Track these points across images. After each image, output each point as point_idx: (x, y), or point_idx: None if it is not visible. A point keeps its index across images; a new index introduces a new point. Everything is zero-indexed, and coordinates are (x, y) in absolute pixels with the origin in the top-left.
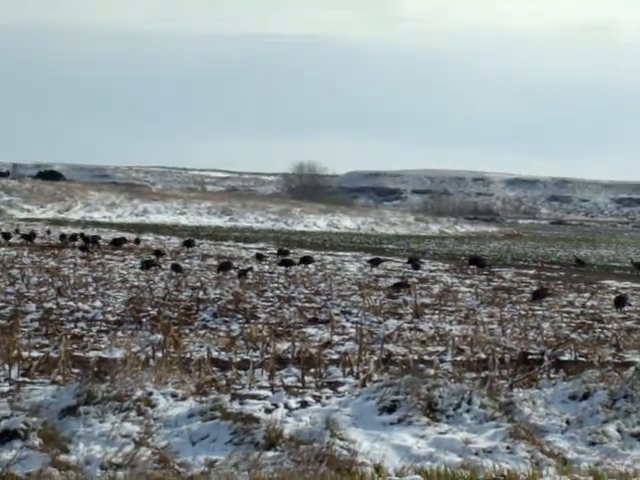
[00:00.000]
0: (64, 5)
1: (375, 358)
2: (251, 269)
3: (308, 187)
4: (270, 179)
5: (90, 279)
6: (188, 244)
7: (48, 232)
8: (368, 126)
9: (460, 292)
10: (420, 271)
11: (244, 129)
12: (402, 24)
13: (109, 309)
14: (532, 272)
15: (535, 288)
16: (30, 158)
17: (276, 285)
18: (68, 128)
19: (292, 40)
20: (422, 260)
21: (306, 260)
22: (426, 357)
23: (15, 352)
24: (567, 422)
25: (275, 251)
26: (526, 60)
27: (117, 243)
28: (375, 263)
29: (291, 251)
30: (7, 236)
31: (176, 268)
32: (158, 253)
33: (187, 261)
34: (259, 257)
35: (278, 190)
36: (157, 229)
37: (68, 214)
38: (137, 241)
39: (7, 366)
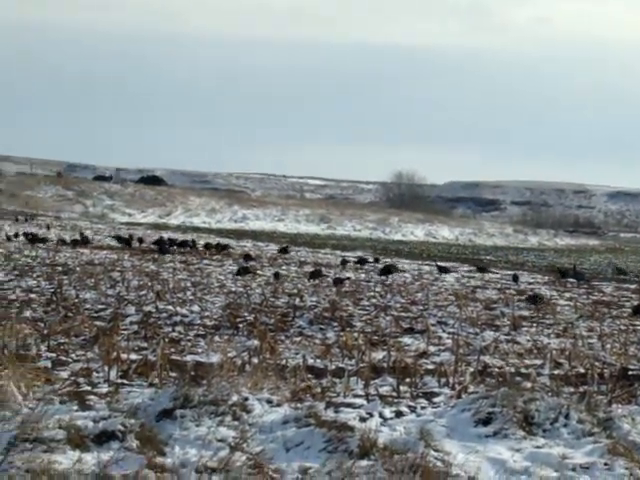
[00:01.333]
0: (180, 15)
1: (471, 369)
2: (348, 277)
3: (406, 196)
4: (368, 187)
5: (189, 284)
6: (284, 251)
7: (140, 240)
8: (466, 136)
9: (559, 305)
10: (519, 283)
11: (343, 137)
12: (500, 34)
13: (207, 314)
14: (633, 287)
15: (636, 303)
16: (133, 163)
17: (372, 294)
18: (170, 135)
19: (389, 50)
20: (520, 272)
21: (388, 270)
22: (523, 370)
23: (114, 354)
24: None
25: (372, 259)
26: (622, 70)
27: (216, 248)
28: (444, 271)
29: (386, 260)
30: (127, 241)
31: (276, 275)
32: (254, 259)
33: (284, 268)
34: (360, 262)
35: (376, 199)
36: (255, 235)
37: (169, 219)
38: (224, 247)
39: (106, 368)
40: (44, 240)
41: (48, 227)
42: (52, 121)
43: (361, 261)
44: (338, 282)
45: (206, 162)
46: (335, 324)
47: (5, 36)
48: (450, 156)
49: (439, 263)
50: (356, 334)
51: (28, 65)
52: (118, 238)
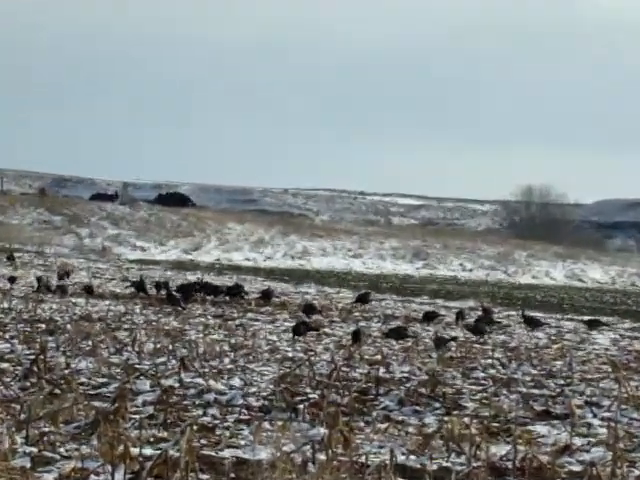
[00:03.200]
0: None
1: (637, 472)
2: (454, 337)
3: (539, 221)
4: (483, 209)
5: (226, 347)
6: (363, 300)
7: (158, 286)
8: (627, 136)
9: None
10: None
11: (446, 141)
12: None
13: (252, 390)
14: None
15: None
16: (147, 175)
17: (490, 361)
18: (199, 137)
19: None
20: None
21: (478, 330)
22: None
23: (121, 448)
24: None
25: (480, 312)
26: None
27: (265, 297)
28: (535, 324)
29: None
30: (139, 287)
31: (353, 335)
32: (320, 311)
33: (362, 324)
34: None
35: (494, 225)
36: (321, 278)
37: (198, 254)
38: (274, 294)
39: (109, 468)
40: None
41: (22, 267)
42: (32, 119)
43: (481, 317)
44: (441, 344)
45: (250, 174)
46: (436, 405)
47: None
48: (603, 164)
49: (587, 318)
50: (467, 419)
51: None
52: (127, 282)
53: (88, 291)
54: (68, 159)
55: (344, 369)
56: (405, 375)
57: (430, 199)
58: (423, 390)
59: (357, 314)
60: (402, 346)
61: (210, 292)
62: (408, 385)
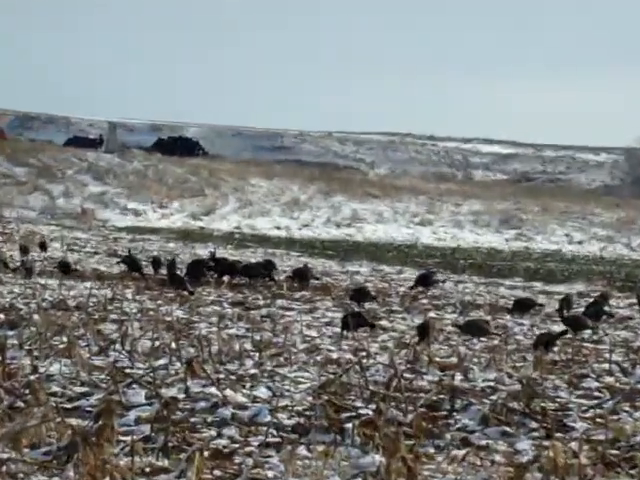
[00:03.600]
0: None
1: None
2: (563, 333)
3: None
4: (598, 160)
5: (248, 345)
6: (424, 281)
7: (156, 262)
8: None
9: None
10: None
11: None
12: None
13: (283, 403)
14: None
15: None
16: (141, 113)
17: (606, 366)
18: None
19: None
20: None
21: (580, 323)
22: None
23: None
24: None
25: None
26: None
27: (300, 278)
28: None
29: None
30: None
31: (422, 331)
32: (375, 298)
33: (432, 315)
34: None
35: (614, 181)
36: (376, 252)
37: (211, 220)
38: (303, 277)
39: None
40: None
41: None
42: None
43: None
44: (541, 343)
45: (281, 113)
46: (533, 424)
47: None
48: None
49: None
50: (575, 445)
51: None
52: (116, 258)
53: (64, 270)
54: (36, 91)
55: (407, 376)
56: (490, 384)
57: (524, 146)
58: (514, 405)
59: (425, 302)
60: (486, 345)
61: (227, 271)
62: (494, 398)
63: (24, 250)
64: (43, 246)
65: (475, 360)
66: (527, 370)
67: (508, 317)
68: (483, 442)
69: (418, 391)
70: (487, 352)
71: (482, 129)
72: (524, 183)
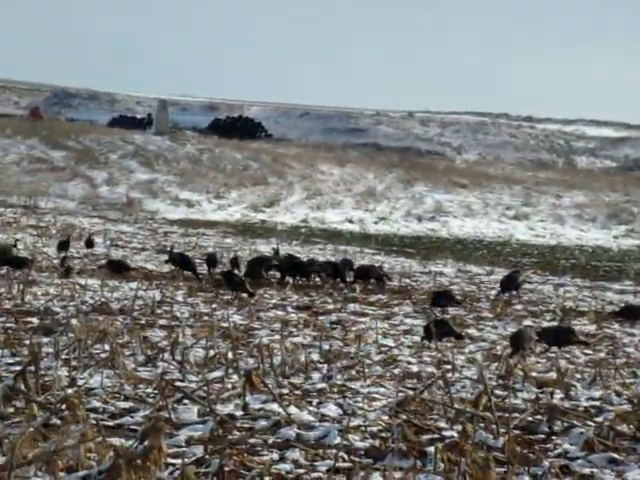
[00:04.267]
0: None
1: None
2: None
3: None
4: None
5: (316, 356)
6: (510, 284)
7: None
8: None
9: None
10: None
11: None
12: None
13: (355, 422)
14: None
15: None
16: (196, 90)
17: None
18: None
19: None
20: None
21: None
22: None
23: None
24: None
25: None
26: None
27: (377, 279)
28: None
29: None
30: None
31: (516, 342)
32: (460, 302)
33: (527, 323)
34: None
35: None
36: (463, 250)
37: (274, 212)
38: (379, 277)
39: None
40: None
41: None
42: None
43: None
44: None
45: (356, 90)
46: None
47: None
48: None
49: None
50: None
51: None
52: (166, 255)
53: (116, 268)
54: (76, 64)
55: (499, 393)
56: (595, 404)
57: (638, 129)
58: (623, 428)
59: (519, 308)
60: (591, 358)
61: (292, 271)
62: (600, 419)
63: (62, 246)
64: (89, 243)
65: (578, 376)
66: (638, 388)
67: (616, 326)
68: (587, 470)
69: (511, 411)
70: (592, 366)
71: (588, 109)
72: (636, 172)
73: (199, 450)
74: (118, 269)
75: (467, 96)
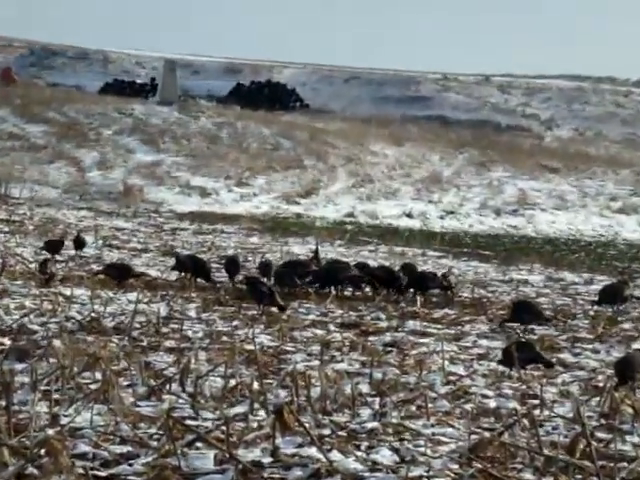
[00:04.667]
0: None
1: None
2: None
3: None
4: None
5: (365, 387)
6: (614, 296)
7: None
8: None
9: None
10: None
11: None
12: None
13: (416, 473)
14: None
15: None
16: (212, 49)
17: None
18: None
19: None
20: None
21: None
22: None
23: None
24: None
25: None
26: None
27: (445, 289)
28: None
29: None
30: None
31: (623, 371)
32: (550, 320)
33: (637, 346)
34: None
35: None
36: (553, 253)
37: (311, 204)
38: (444, 287)
39: None
40: None
41: None
42: None
43: None
44: None
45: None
46: None
47: None
48: None
49: None
50: None
51: None
52: (173, 258)
53: (119, 274)
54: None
55: (601, 436)
56: None
57: None
58: None
59: (627, 327)
60: None
61: (335, 279)
62: None
63: (51, 248)
64: (79, 242)
65: None
66: None
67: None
68: None
69: (618, 459)
70: None
71: None
72: None
73: None
74: (121, 275)
75: (560, 55)
